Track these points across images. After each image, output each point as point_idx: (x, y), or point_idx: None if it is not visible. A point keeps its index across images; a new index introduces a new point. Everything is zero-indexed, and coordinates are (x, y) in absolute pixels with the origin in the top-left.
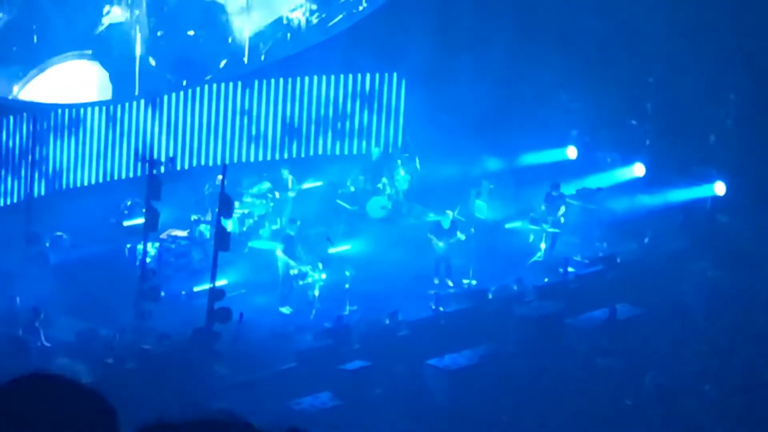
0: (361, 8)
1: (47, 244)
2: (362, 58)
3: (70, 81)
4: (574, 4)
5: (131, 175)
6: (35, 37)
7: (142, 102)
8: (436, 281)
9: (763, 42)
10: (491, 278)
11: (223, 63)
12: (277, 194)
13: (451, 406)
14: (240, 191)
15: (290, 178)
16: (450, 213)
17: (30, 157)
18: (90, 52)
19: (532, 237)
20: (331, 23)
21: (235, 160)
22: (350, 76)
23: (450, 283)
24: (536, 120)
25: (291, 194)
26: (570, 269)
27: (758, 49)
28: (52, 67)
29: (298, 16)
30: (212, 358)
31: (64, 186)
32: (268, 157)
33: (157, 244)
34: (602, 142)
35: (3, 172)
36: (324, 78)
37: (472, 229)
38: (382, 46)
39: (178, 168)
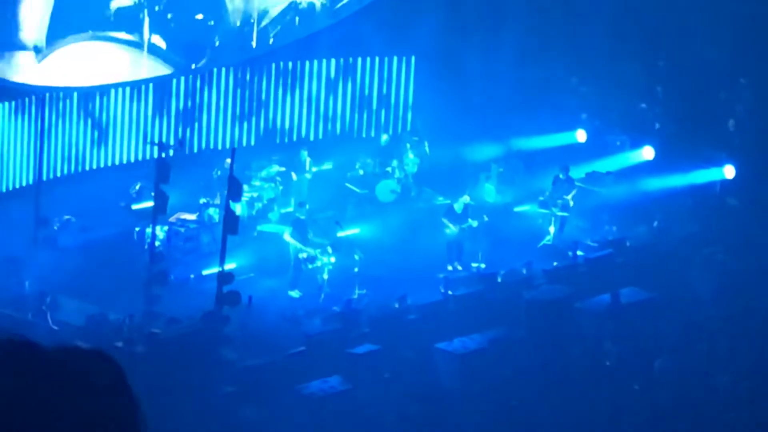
0: None
1: (56, 228)
2: (371, 42)
3: (79, 64)
4: None
5: (140, 158)
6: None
7: (151, 85)
8: (450, 267)
9: None
10: (500, 262)
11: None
12: (294, 175)
13: (460, 390)
14: (249, 174)
15: (308, 160)
16: (466, 198)
17: (39, 141)
18: (99, 34)
19: (541, 221)
20: (339, 5)
21: (244, 143)
22: (359, 59)
23: (459, 267)
24: (546, 103)
25: (308, 176)
26: (579, 253)
27: None
28: (60, 50)
29: None
30: (221, 342)
31: (73, 169)
32: (277, 140)
33: (165, 228)
34: (612, 125)
35: (13, 155)
36: (333, 61)
37: (486, 217)
38: (392, 29)
39: (187, 151)
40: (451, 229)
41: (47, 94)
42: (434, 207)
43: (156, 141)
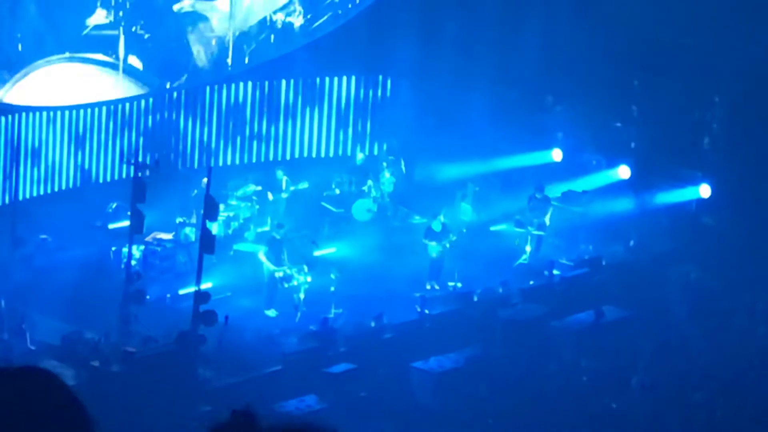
0: (349, 7)
1: (32, 248)
2: (347, 61)
3: (55, 84)
4: (560, 7)
5: (116, 177)
6: (20, 46)
7: (128, 105)
8: (429, 287)
9: (748, 45)
10: (476, 281)
11: (206, 65)
12: (270, 195)
13: (436, 409)
14: (225, 194)
15: (285, 179)
16: (441, 218)
17: (15, 160)
18: (75, 55)
19: (517, 240)
20: (315, 24)
21: (220, 162)
22: (335, 79)
23: (436, 286)
24: (521, 122)
25: (284, 195)
26: (555, 272)
27: (743, 52)
28: (37, 71)
29: (282, 18)
30: (197, 361)
31: (49, 189)
32: (254, 160)
33: (142, 247)
34: (587, 144)
35: None
36: (309, 81)
37: (464, 229)
38: (368, 48)
39: (164, 171)
40: (434, 247)
41: (23, 114)
42: (410, 226)
43: (132, 160)
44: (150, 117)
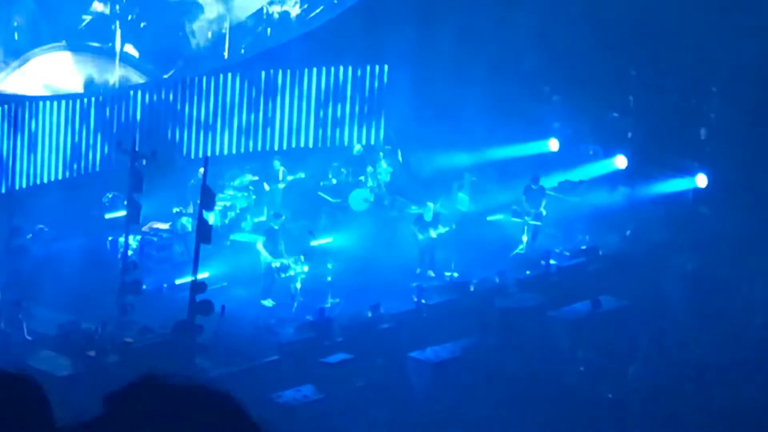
0: None
1: (29, 237)
2: (344, 51)
3: (52, 73)
4: None
5: (113, 167)
6: (16, 35)
7: (124, 94)
8: (419, 270)
9: (745, 35)
10: (473, 271)
11: (203, 56)
12: (266, 185)
13: (433, 399)
14: (222, 184)
15: (281, 169)
16: (431, 205)
17: (11, 150)
18: (72, 44)
19: (513, 230)
20: (311, 15)
21: (217, 152)
22: (332, 69)
23: (432, 274)
24: (518, 112)
25: (281, 186)
26: (552, 262)
27: (740, 42)
28: (33, 59)
29: (278, 8)
30: (194, 351)
31: (45, 179)
32: (251, 150)
33: (138, 237)
34: (584, 134)
35: None
36: (306, 71)
37: (454, 225)
38: (364, 38)
39: (160, 161)
40: (420, 237)
41: (19, 103)
42: (407, 216)
43: (129, 150)
44: (146, 106)
